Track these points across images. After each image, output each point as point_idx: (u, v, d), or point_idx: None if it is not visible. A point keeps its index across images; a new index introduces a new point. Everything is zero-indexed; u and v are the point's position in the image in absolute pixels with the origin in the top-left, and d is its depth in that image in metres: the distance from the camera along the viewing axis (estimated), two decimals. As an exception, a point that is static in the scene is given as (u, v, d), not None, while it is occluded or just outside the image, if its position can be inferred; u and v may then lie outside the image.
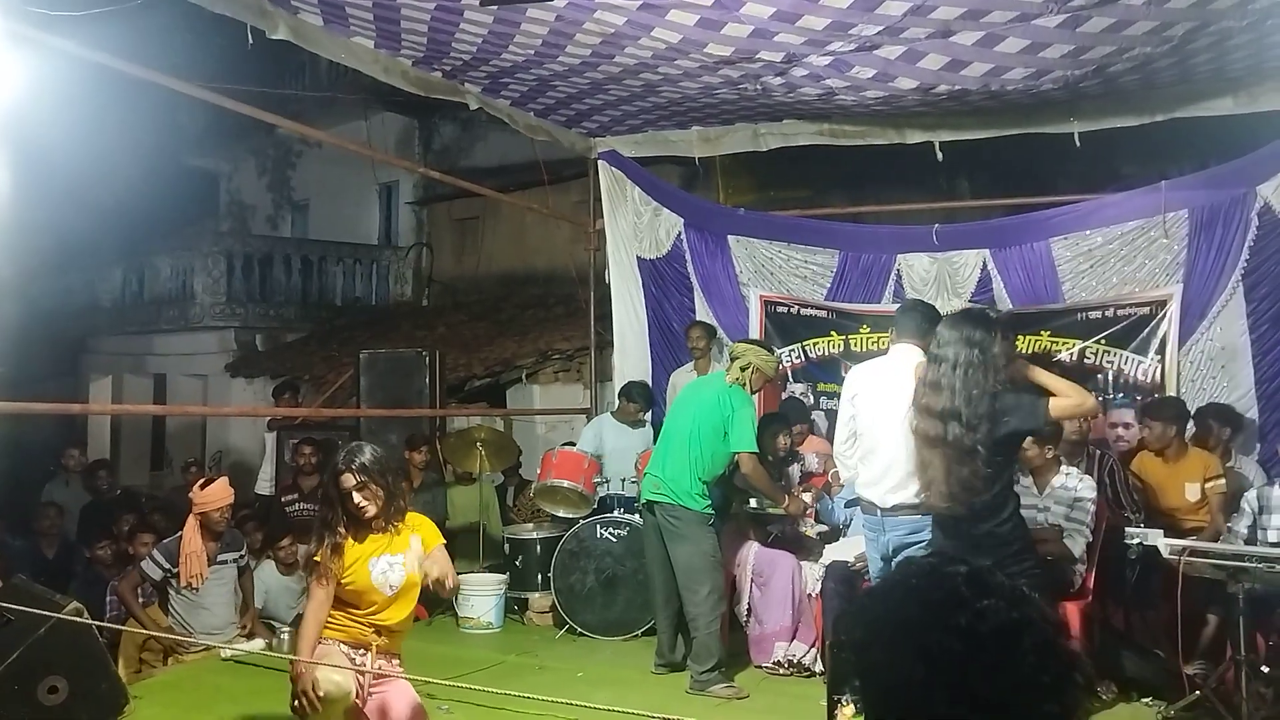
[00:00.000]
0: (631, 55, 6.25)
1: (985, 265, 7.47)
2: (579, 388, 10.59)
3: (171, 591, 6.34)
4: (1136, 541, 5.11)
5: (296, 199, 18.93)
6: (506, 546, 7.60)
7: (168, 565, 6.26)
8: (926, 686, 1.25)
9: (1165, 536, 4.98)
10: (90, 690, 4.75)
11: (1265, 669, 4.77)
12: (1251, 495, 5.54)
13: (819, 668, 5.99)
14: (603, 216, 8.70)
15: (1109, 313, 7.04)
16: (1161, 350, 6.89)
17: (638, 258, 8.59)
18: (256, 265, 15.58)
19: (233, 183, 20.04)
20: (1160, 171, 7.55)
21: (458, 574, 7.48)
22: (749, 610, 6.30)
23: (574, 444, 7.98)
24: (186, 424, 15.33)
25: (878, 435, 5.03)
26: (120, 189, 14.71)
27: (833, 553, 6.20)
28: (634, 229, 8.59)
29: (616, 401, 8.00)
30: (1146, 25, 5.29)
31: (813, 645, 6.09)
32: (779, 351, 7.85)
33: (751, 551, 6.36)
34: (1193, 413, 6.36)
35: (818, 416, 7.87)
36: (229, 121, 15.40)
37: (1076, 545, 5.41)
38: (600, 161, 8.58)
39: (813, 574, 6.22)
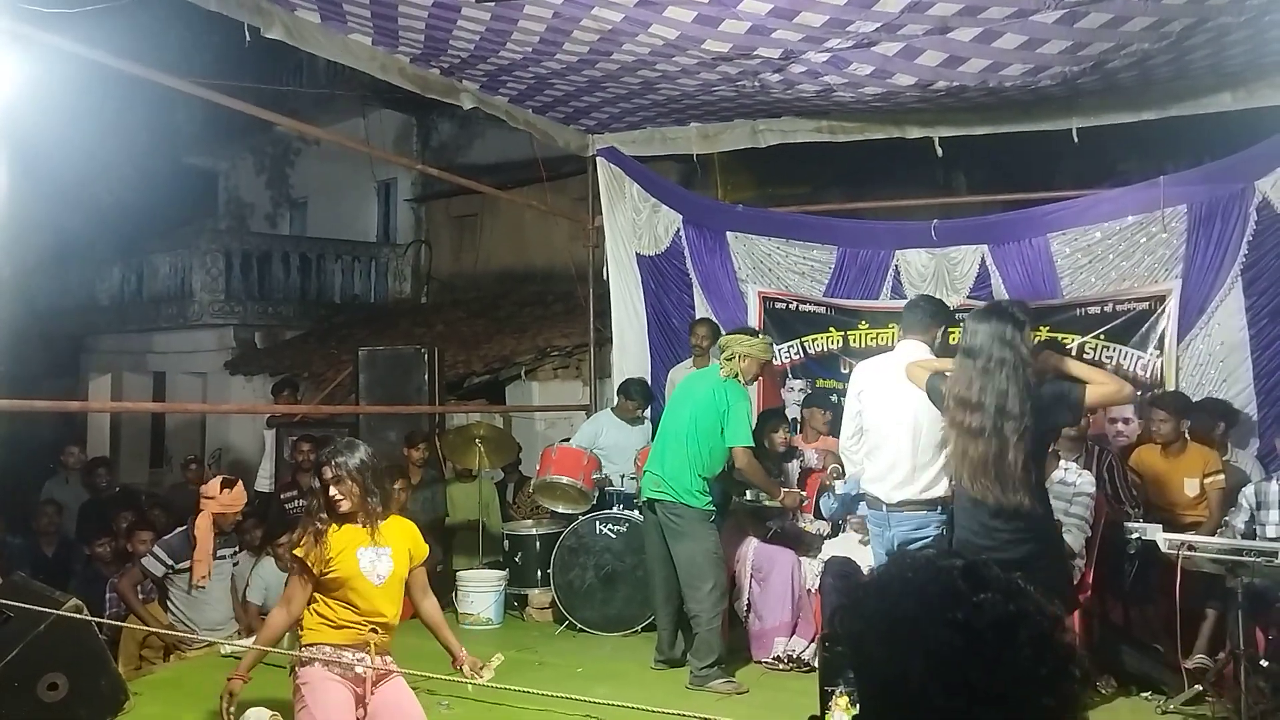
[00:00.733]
0: (629, 52, 6.24)
1: (984, 261, 7.46)
2: (578, 384, 10.59)
3: (171, 588, 6.35)
4: (1135, 536, 5.13)
5: (295, 196, 18.92)
6: (506, 543, 7.61)
7: (170, 562, 6.26)
8: (923, 680, 1.25)
9: (1164, 531, 4.99)
10: (90, 687, 4.75)
11: (1264, 663, 4.77)
12: (1249, 490, 5.56)
13: (818, 663, 5.99)
14: (601, 213, 8.70)
15: (1108, 308, 7.05)
16: (1161, 345, 6.90)
17: (636, 254, 8.59)
18: (255, 263, 15.58)
19: (231, 180, 20.03)
20: (1159, 167, 7.55)
21: (456, 569, 7.54)
22: (748, 606, 6.31)
23: (567, 440, 7.97)
24: (186, 421, 15.33)
25: (884, 431, 5.08)
26: (118, 187, 14.72)
27: (832, 548, 6.21)
28: (633, 226, 8.58)
29: (616, 398, 8.00)
30: (1144, 21, 5.29)
31: (812, 640, 6.10)
32: (779, 347, 7.87)
33: (751, 547, 6.36)
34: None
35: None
36: (227, 119, 15.41)
37: (1075, 540, 5.42)
38: (599, 158, 8.57)
39: (812, 569, 6.23)
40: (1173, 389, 6.64)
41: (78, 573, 7.69)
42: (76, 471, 9.65)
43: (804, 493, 6.39)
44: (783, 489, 6.22)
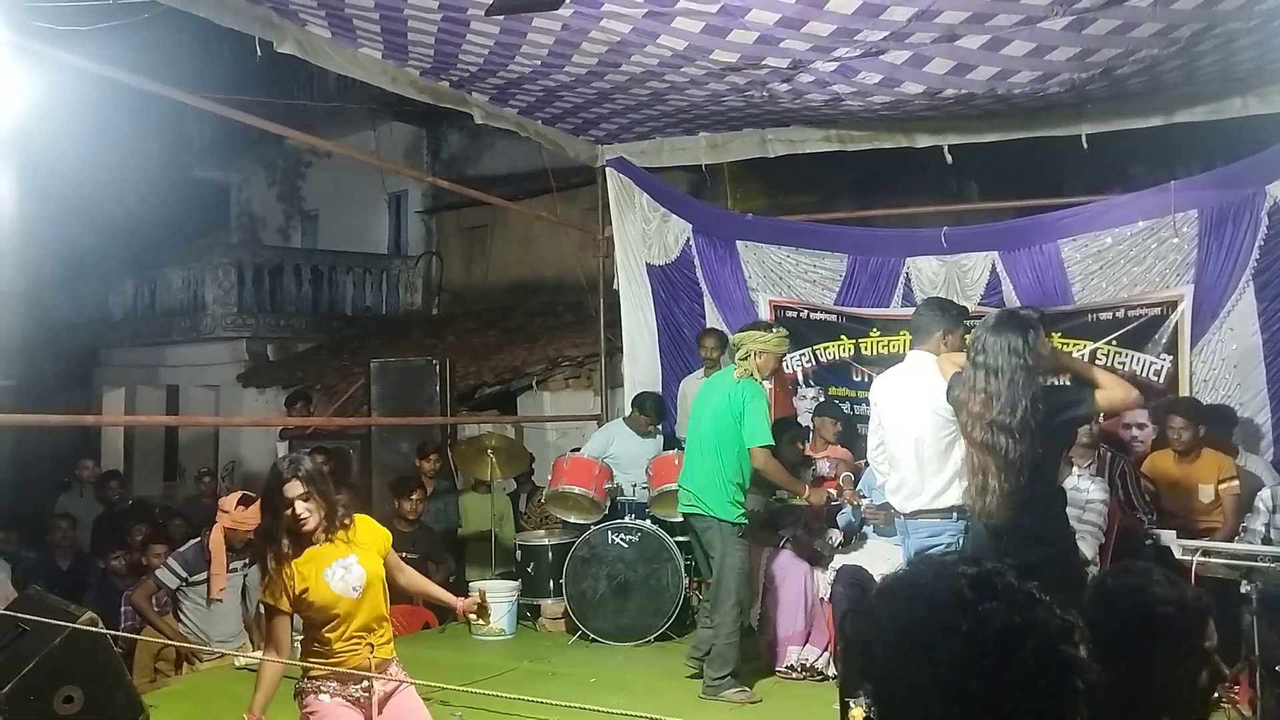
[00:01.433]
0: (638, 63, 6.26)
1: (994, 267, 7.45)
2: (589, 394, 10.61)
3: (185, 600, 6.37)
4: (1149, 542, 5.11)
5: (306, 209, 19.00)
6: (518, 553, 7.61)
7: (184, 574, 6.29)
8: (924, 687, 1.25)
9: (1178, 538, 4.97)
10: (105, 700, 4.77)
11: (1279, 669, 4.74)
12: (1265, 494, 5.53)
13: (832, 671, 5.98)
14: (611, 223, 8.71)
15: (1120, 314, 7.03)
16: (1173, 351, 6.88)
17: (646, 264, 8.60)
18: (267, 276, 15.64)
19: (243, 194, 20.12)
20: (1169, 172, 7.55)
21: (470, 582, 7.53)
22: (760, 615, 6.30)
23: (578, 450, 7.98)
24: (199, 434, 15.39)
25: (895, 443, 5.08)
26: (130, 201, 14.82)
27: (843, 557, 6.20)
28: (642, 235, 8.60)
29: (628, 409, 8.01)
30: (1153, 27, 5.29)
31: (825, 649, 6.09)
32: (790, 356, 7.85)
33: (764, 557, 6.35)
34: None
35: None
36: (238, 133, 15.47)
37: (1088, 547, 5.40)
38: (608, 169, 8.60)
39: (824, 578, 6.22)
40: (1186, 395, 6.61)
41: (93, 585, 7.73)
42: (90, 485, 9.70)
43: (831, 490, 6.29)
44: (808, 486, 6.12)
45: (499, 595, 7.29)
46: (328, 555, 3.76)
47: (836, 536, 6.49)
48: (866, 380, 7.79)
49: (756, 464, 5.73)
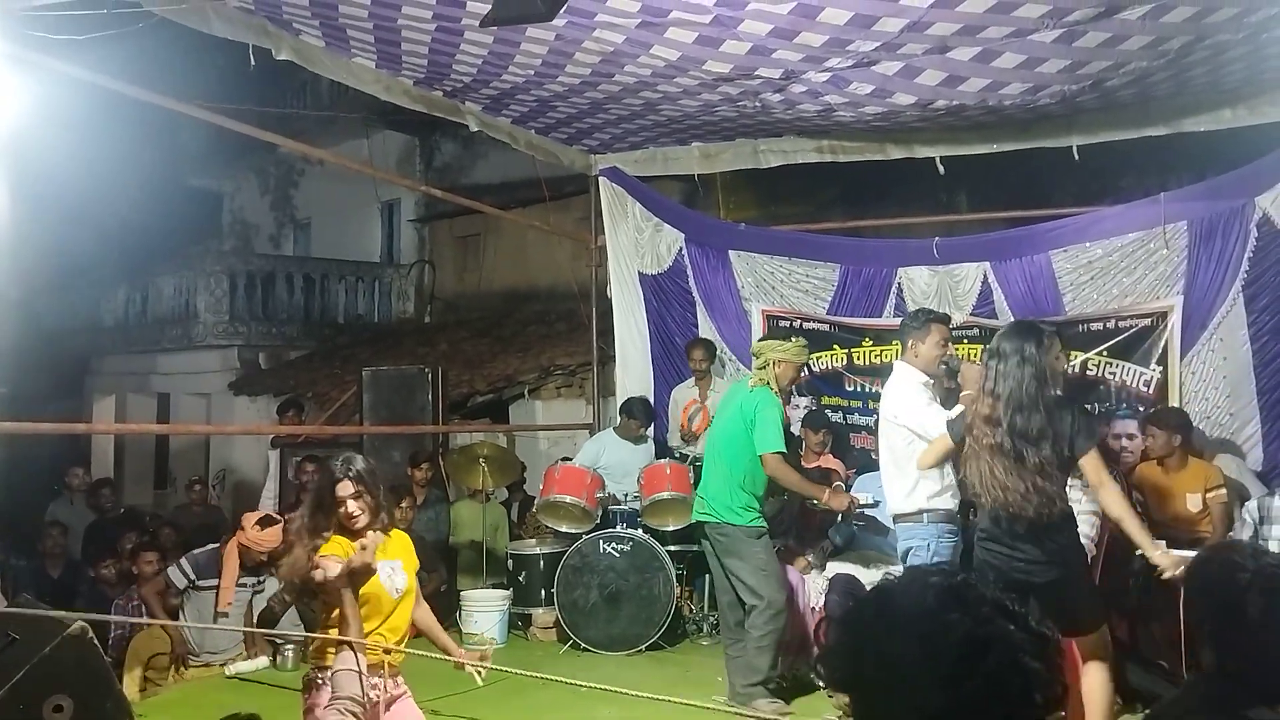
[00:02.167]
0: (631, 74, 6.28)
1: (986, 278, 7.49)
2: (582, 403, 10.61)
3: (188, 603, 6.38)
4: (1139, 553, 5.11)
5: (299, 217, 18.99)
6: (510, 562, 7.61)
7: (193, 576, 6.30)
8: (885, 696, 1.26)
9: (1168, 547, 4.98)
10: (95, 708, 4.75)
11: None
12: (1252, 505, 5.56)
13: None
14: (604, 232, 8.73)
15: (1110, 324, 7.06)
16: (1164, 361, 6.90)
17: (639, 273, 8.62)
18: (259, 284, 15.63)
19: (235, 202, 20.11)
20: (1159, 183, 7.57)
21: (461, 589, 7.53)
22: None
23: (569, 459, 7.97)
24: (190, 443, 15.35)
25: (879, 450, 5.24)
26: (123, 209, 14.78)
27: (837, 566, 6.21)
28: (635, 245, 8.62)
29: (618, 417, 8.02)
30: (1143, 40, 5.32)
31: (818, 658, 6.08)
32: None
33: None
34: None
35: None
36: (231, 141, 15.44)
37: (1079, 557, 5.41)
38: (601, 178, 8.62)
39: (816, 586, 6.23)
40: (1165, 405, 6.64)
41: (83, 594, 7.70)
42: (81, 493, 9.67)
43: (853, 494, 6.24)
44: (827, 489, 6.01)
45: (490, 604, 7.29)
46: (381, 552, 3.87)
47: (828, 546, 6.52)
48: (859, 390, 7.83)
49: (768, 470, 5.64)
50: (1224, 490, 5.88)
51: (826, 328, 8.02)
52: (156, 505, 14.11)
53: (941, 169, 7.33)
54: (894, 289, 7.80)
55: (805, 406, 7.95)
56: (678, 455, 7.80)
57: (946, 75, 5.88)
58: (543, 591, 7.32)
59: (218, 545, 6.44)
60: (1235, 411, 6.68)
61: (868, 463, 7.03)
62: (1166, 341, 6.89)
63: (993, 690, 1.24)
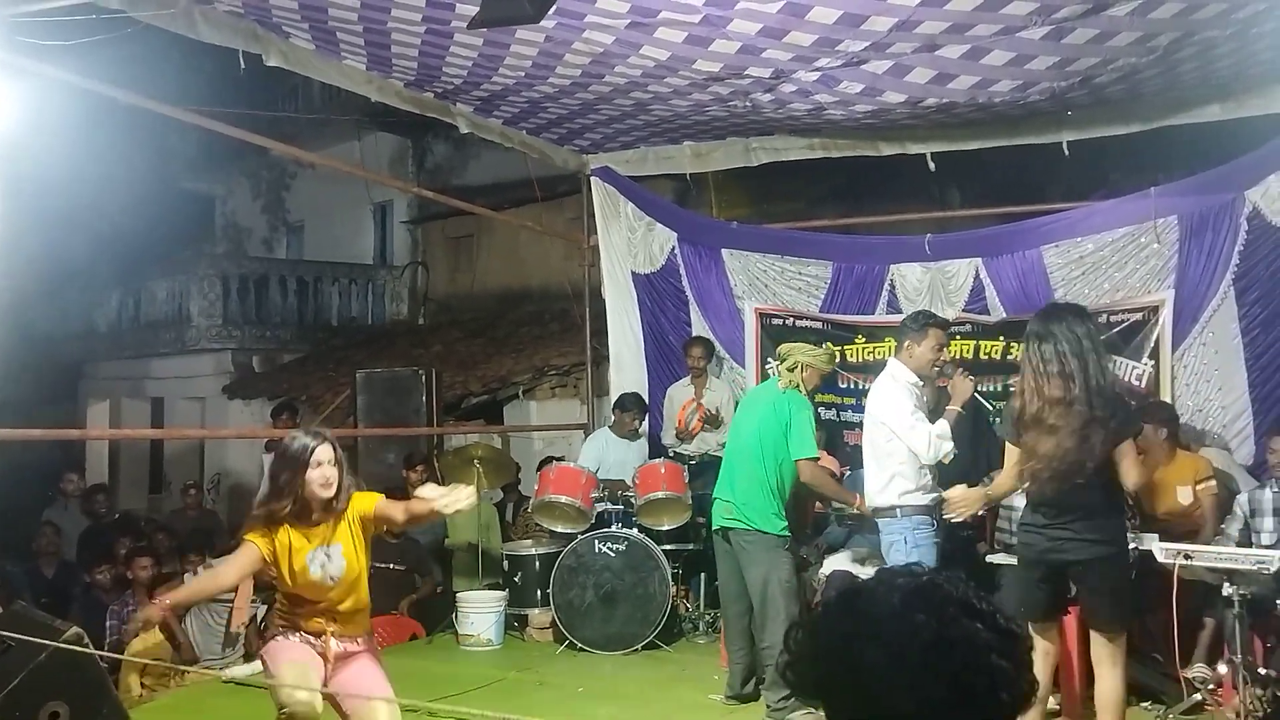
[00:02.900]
0: (621, 74, 6.29)
1: (978, 274, 7.51)
2: (576, 403, 10.61)
3: (193, 615, 6.40)
4: (1132, 546, 5.14)
5: (291, 220, 18.97)
6: (505, 563, 7.61)
7: None
8: (851, 698, 1.27)
9: (1160, 541, 5.01)
10: (91, 715, 4.75)
11: (1262, 671, 4.78)
12: (1243, 498, 5.58)
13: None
14: (596, 232, 8.74)
15: (1102, 319, 7.03)
16: (1155, 355, 6.92)
17: (632, 273, 8.62)
18: (252, 287, 15.61)
19: (228, 205, 20.08)
20: (1150, 178, 7.59)
21: (456, 590, 7.53)
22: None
23: (560, 458, 7.96)
24: (185, 447, 15.34)
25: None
26: (115, 214, 14.76)
27: (833, 564, 6.22)
28: (628, 244, 8.62)
29: (611, 415, 8.02)
30: (1131, 36, 5.33)
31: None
32: (773, 363, 7.89)
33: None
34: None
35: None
36: (223, 144, 15.45)
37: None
38: (593, 178, 8.62)
39: (810, 585, 6.23)
40: (1161, 399, 6.66)
41: (78, 599, 7.70)
42: (75, 499, 9.66)
43: None
44: (859, 496, 5.79)
45: (486, 605, 7.29)
46: (315, 540, 3.90)
47: (824, 544, 6.54)
48: (852, 387, 7.83)
49: (804, 477, 5.55)
50: (1213, 482, 5.90)
51: (819, 325, 8.02)
52: (152, 510, 14.10)
53: (933, 166, 7.35)
54: (886, 286, 7.81)
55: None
56: (672, 454, 7.82)
57: (936, 73, 5.90)
58: (538, 592, 7.32)
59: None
60: (1227, 405, 6.70)
61: (858, 460, 7.04)
62: (1158, 336, 6.90)
63: (959, 691, 1.24)
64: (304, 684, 3.80)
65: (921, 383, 5.28)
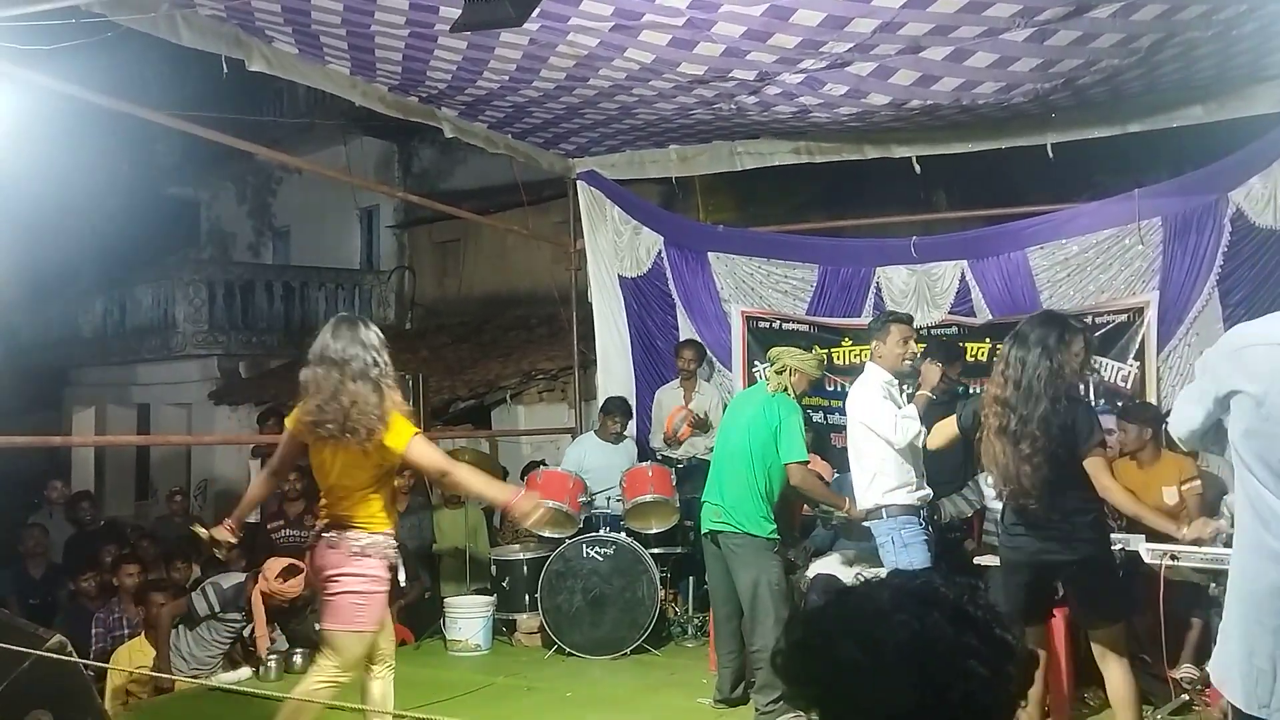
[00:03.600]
0: (606, 77, 6.29)
1: (964, 276, 7.53)
2: (564, 407, 10.60)
3: (191, 629, 6.38)
4: (1119, 547, 5.15)
5: (277, 225, 18.90)
6: (493, 568, 7.59)
7: (216, 608, 6.28)
8: (831, 696, 1.27)
9: (1148, 541, 5.01)
10: (76, 723, 4.73)
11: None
12: (1229, 499, 5.59)
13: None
14: (583, 236, 8.73)
15: (1087, 320, 7.07)
16: (1141, 356, 6.95)
17: (619, 276, 8.62)
18: (238, 292, 15.54)
19: (213, 211, 20.00)
20: (1134, 180, 7.61)
21: (444, 596, 7.51)
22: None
23: (546, 463, 7.94)
24: (171, 453, 15.27)
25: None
26: (99, 220, 14.71)
27: (818, 567, 6.21)
28: (614, 248, 8.62)
29: (597, 420, 8.02)
30: (1113, 37, 5.36)
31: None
32: (762, 366, 7.90)
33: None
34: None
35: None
36: (208, 150, 15.40)
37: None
38: (579, 182, 8.62)
39: (799, 588, 6.23)
40: (1145, 400, 6.69)
41: (63, 607, 7.65)
42: (60, 506, 9.60)
43: None
44: (848, 500, 5.81)
45: (474, 611, 7.27)
46: None
47: (810, 547, 6.53)
48: (839, 389, 7.84)
49: (794, 480, 5.55)
50: (1198, 482, 5.92)
51: (806, 328, 8.05)
52: (138, 516, 14.04)
53: (918, 168, 7.37)
54: (872, 289, 7.83)
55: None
56: (660, 458, 7.81)
57: (920, 75, 5.92)
58: (527, 597, 7.31)
59: (243, 580, 6.40)
60: (1212, 406, 6.72)
61: (845, 463, 7.05)
62: (1143, 337, 6.94)
63: (932, 692, 1.24)
64: None
65: (896, 381, 5.32)
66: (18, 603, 7.71)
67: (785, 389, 5.62)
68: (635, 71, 6.12)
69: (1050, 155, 7.06)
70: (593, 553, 7.01)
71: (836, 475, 6.99)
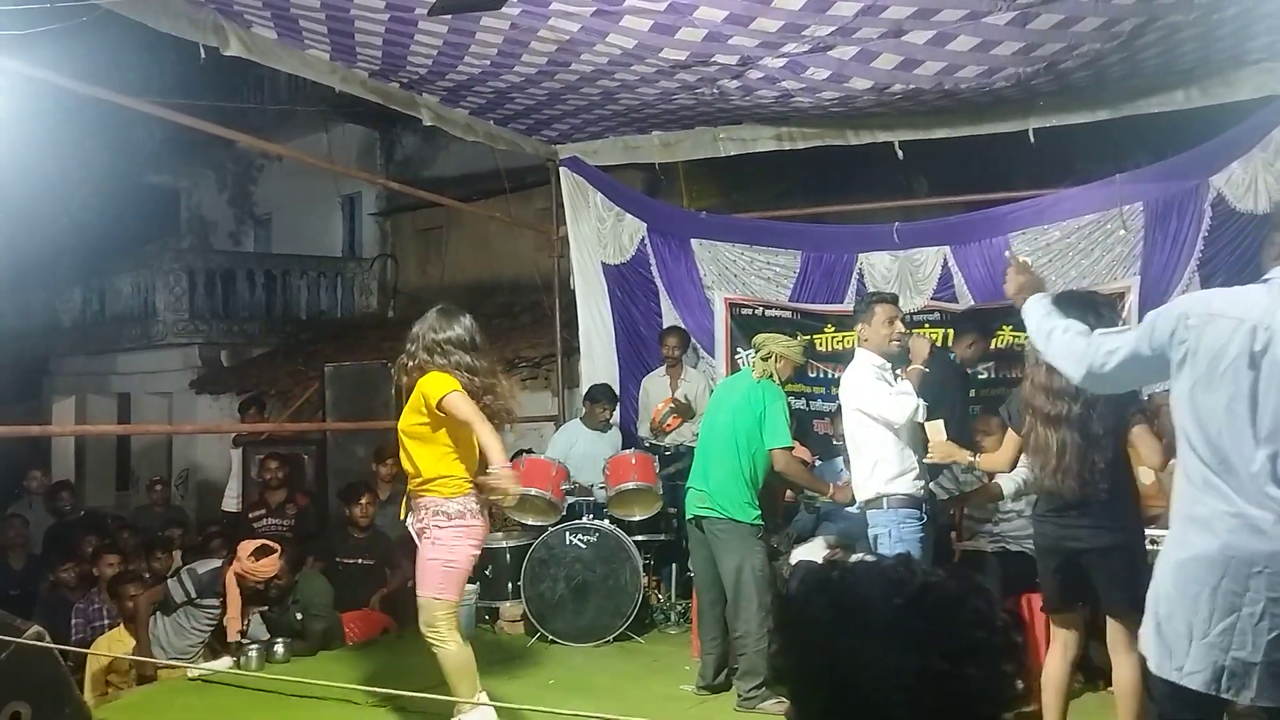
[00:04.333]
0: (588, 62, 6.26)
1: (946, 262, 7.53)
2: (547, 395, 10.57)
3: (167, 617, 6.34)
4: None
5: (258, 213, 18.80)
6: (476, 556, 7.56)
7: (193, 594, 6.24)
8: (802, 682, 1.26)
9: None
10: (53, 715, 4.69)
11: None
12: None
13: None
14: (566, 223, 8.70)
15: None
16: (1122, 341, 6.94)
17: (602, 263, 8.59)
18: (219, 281, 15.46)
19: (193, 198, 19.88)
20: (1116, 165, 7.63)
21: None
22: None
23: (530, 450, 7.92)
24: (152, 443, 15.20)
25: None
26: (77, 208, 14.57)
27: (800, 553, 6.21)
28: (597, 235, 8.59)
29: (583, 407, 7.99)
30: (1095, 21, 5.36)
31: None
32: (745, 353, 7.89)
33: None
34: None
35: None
36: (188, 137, 15.27)
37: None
38: (562, 169, 8.58)
39: (781, 574, 6.23)
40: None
41: (42, 597, 7.60)
42: (40, 496, 9.54)
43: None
44: (832, 485, 5.88)
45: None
46: None
47: (793, 533, 6.54)
48: (822, 376, 7.85)
49: (778, 466, 5.56)
50: (1174, 461, 5.92)
51: (789, 314, 8.04)
52: (119, 506, 13.96)
53: (901, 154, 7.36)
54: (855, 275, 7.82)
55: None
56: (646, 445, 7.79)
57: (902, 59, 5.90)
58: (510, 585, 7.29)
59: (220, 566, 6.37)
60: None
61: (827, 449, 7.07)
62: (1125, 322, 6.94)
63: (920, 691, 1.23)
64: None
65: (887, 364, 5.24)
66: (-3, 594, 7.66)
67: (770, 375, 5.61)
68: (617, 56, 6.09)
69: (1032, 140, 7.06)
70: (576, 540, 7.00)
71: (819, 461, 6.99)
